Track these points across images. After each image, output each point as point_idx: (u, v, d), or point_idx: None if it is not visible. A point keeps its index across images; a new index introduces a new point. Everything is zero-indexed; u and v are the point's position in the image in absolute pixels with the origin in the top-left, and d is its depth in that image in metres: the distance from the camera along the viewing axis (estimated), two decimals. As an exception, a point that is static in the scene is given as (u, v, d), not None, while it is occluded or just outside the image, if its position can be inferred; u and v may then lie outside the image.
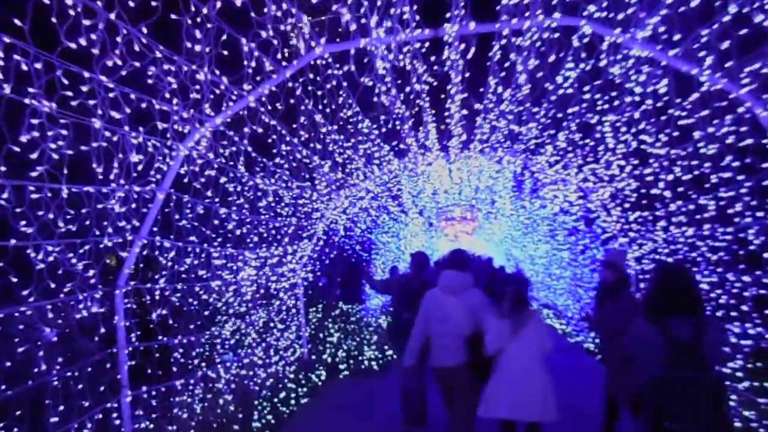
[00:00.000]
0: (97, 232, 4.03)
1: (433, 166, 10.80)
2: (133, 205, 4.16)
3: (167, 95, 3.77)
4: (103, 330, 4.25)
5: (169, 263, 5.19)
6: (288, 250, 8.62)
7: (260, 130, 5.08)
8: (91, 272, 4.11)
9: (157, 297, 5.19)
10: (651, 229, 8.42)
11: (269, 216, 6.92)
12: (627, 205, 8.59)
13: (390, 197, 11.12)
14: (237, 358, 7.91)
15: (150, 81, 3.67)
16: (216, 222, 5.82)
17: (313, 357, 10.80)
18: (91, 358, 4.34)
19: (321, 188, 8.06)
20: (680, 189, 6.40)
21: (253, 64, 4.05)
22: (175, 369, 5.65)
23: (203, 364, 7.38)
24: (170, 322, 5.36)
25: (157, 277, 5.10)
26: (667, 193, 6.90)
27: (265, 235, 7.25)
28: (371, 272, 16.41)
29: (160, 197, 4.58)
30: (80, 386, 4.32)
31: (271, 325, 8.61)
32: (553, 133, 7.26)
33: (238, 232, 6.32)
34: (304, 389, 9.41)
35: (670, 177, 6.43)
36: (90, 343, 4.44)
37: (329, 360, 11.28)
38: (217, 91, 4.15)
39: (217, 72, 3.99)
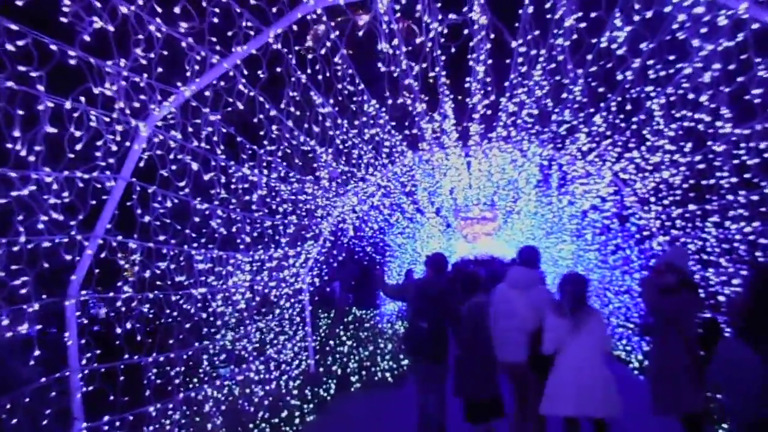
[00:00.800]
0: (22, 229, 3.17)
1: (450, 160, 9.87)
2: (65, 194, 3.28)
3: (87, 39, 2.88)
4: (38, 353, 3.39)
5: (136, 268, 4.34)
6: (289, 252, 7.74)
7: (241, 107, 4.20)
8: (21, 280, 3.26)
9: (122, 308, 4.34)
10: (700, 225, 7.39)
11: (263, 213, 6.04)
12: (673, 199, 7.54)
13: (404, 194, 10.17)
14: (231, 374, 7.05)
15: (65, 20, 2.76)
16: (196, 219, 4.95)
17: (321, 369, 9.90)
18: (27, 386, 3.49)
19: (325, 182, 7.17)
20: (746, 176, 5.36)
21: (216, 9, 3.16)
22: (149, 392, 4.78)
23: (195, 382, 6.53)
24: (139, 338, 4.50)
25: (120, 284, 4.25)
26: (726, 182, 5.88)
27: (258, 235, 6.38)
28: (384, 275, 15.50)
29: (112, 185, 3.71)
30: (15, 421, 3.46)
31: (272, 336, 7.73)
32: (591, 113, 6.23)
33: (224, 231, 5.44)
34: (311, 405, 8.52)
35: (735, 161, 5.39)
36: (23, 367, 3.60)
37: (339, 372, 10.39)
38: (157, 35, 3.23)
39: (157, 8, 3.09)
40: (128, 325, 4.42)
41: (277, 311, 7.73)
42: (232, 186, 5.19)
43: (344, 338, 12.98)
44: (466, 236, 19.46)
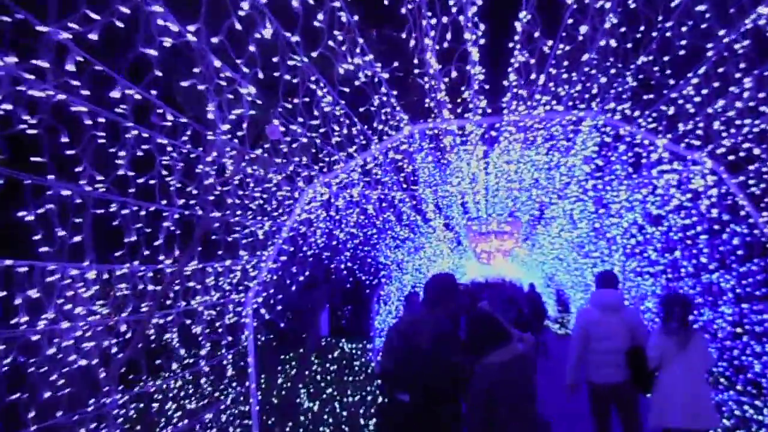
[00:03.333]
0: None
1: (464, 152, 6.94)
2: None
3: None
4: None
5: None
6: (209, 268, 4.75)
7: None
8: None
9: None
10: None
11: (105, 188, 3.08)
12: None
13: (397, 185, 7.09)
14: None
15: None
16: None
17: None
18: None
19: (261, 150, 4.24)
20: None
21: None
22: None
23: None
24: None
25: None
26: None
27: (111, 232, 3.42)
28: (378, 302, 12.42)
29: None
30: None
31: (171, 405, 4.70)
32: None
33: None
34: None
35: None
36: None
37: (304, 440, 7.33)
38: None
39: None
40: None
41: (181, 363, 4.69)
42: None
43: (323, 384, 9.93)
44: (479, 255, 16.32)
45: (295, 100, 3.59)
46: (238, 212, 4.66)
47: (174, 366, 4.40)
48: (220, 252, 4.69)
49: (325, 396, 9.94)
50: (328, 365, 11.41)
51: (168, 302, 4.37)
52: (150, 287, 3.97)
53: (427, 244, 12.37)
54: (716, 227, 6.18)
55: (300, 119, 4.10)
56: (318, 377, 9.96)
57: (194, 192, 3.73)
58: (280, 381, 8.25)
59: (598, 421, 5.81)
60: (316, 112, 3.93)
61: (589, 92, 5.61)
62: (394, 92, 4.69)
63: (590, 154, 6.44)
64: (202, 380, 5.18)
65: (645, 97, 5.55)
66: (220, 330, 5.49)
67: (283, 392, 8.07)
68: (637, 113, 5.70)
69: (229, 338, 5.42)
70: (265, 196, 4.80)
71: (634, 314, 5.91)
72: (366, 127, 5.34)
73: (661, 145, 5.79)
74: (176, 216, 3.58)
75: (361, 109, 4.54)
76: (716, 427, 5.25)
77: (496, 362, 4.00)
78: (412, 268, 13.85)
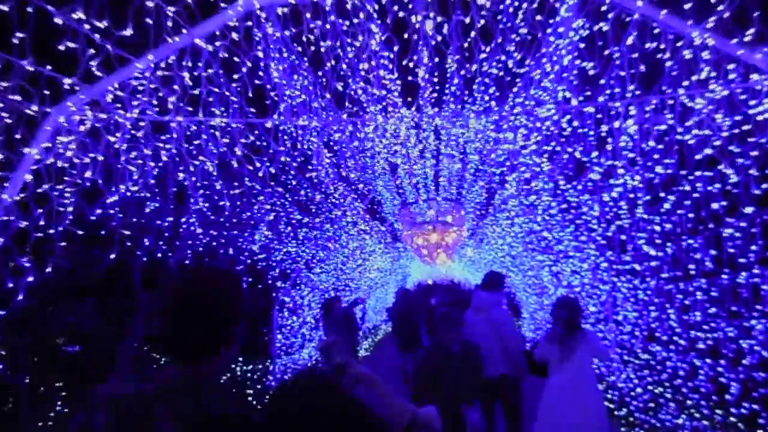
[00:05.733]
0: None
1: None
2: None
3: None
4: None
5: None
6: None
7: None
8: None
9: None
10: None
11: None
12: None
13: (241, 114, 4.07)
14: None
15: None
16: None
17: None
18: None
19: None
20: None
21: None
22: None
23: None
24: None
25: None
26: None
27: None
28: (281, 310, 9.47)
29: None
30: None
31: None
32: None
33: None
34: None
35: None
36: None
37: None
38: None
39: None
40: None
41: None
42: None
43: None
44: (419, 251, 13.62)
45: None
46: None
47: None
48: None
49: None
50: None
51: None
52: None
53: (344, 233, 9.52)
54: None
55: None
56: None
57: None
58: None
59: (483, 412, 6.10)
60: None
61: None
62: None
63: (568, 64, 3.75)
64: None
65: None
66: None
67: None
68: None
69: None
70: None
71: (501, 314, 6.33)
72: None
73: (699, 39, 3.21)
74: None
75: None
76: None
77: None
78: (332, 266, 10.98)
